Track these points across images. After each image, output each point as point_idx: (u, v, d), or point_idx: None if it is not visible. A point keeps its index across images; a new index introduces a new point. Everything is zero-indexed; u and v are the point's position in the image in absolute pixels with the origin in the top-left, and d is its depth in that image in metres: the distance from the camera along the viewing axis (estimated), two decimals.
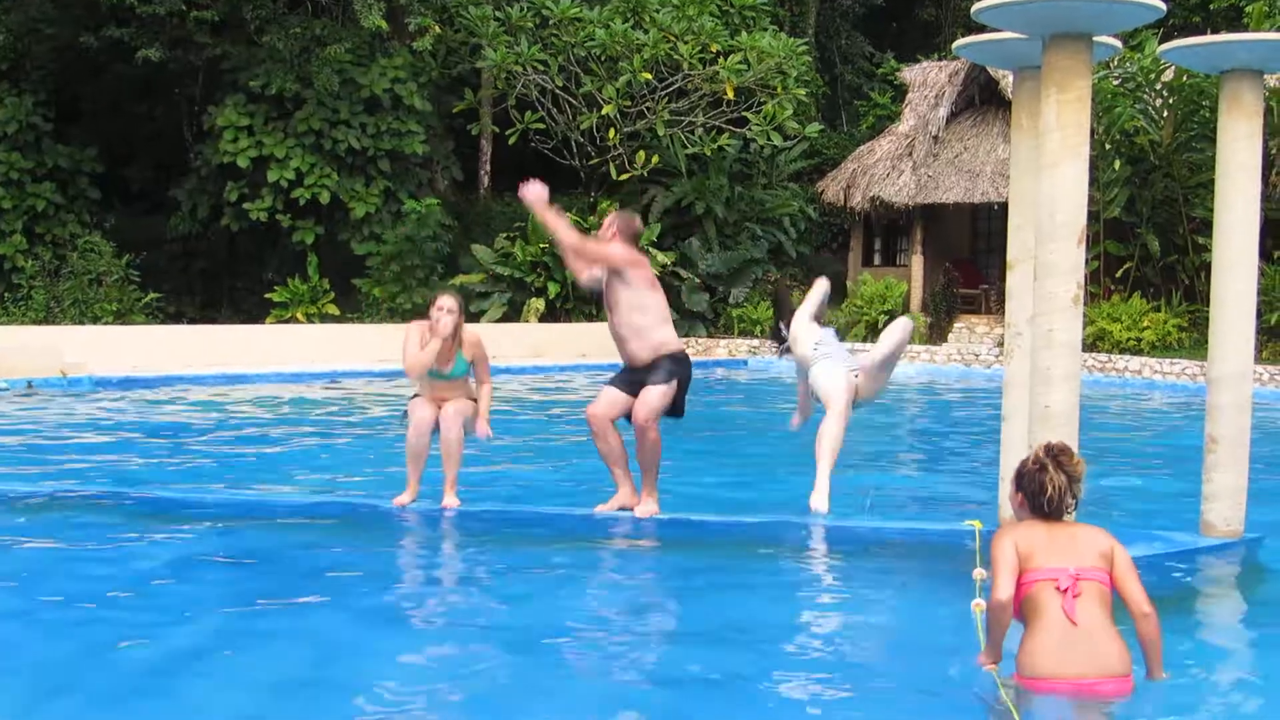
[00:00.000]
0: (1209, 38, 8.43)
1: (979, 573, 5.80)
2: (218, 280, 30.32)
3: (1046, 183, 7.53)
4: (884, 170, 30.74)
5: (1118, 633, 5.26)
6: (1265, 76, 8.96)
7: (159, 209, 29.91)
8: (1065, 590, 5.16)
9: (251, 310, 28.28)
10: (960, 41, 8.80)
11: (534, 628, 6.92)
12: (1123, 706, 5.39)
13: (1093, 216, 25.29)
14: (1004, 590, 5.17)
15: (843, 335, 28.25)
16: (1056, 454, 5.46)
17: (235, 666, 6.20)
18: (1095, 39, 7.62)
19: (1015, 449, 8.53)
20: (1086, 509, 8.14)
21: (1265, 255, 24.37)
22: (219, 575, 8.01)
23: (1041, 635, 5.14)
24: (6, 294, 25.85)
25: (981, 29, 8.09)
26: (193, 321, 27.24)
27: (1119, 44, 8.66)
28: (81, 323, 24.10)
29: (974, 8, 7.44)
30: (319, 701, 5.82)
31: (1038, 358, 7.66)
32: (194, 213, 28.67)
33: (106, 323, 24.39)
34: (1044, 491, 5.37)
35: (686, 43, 27.95)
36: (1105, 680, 5.15)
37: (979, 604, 5.57)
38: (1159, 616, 5.34)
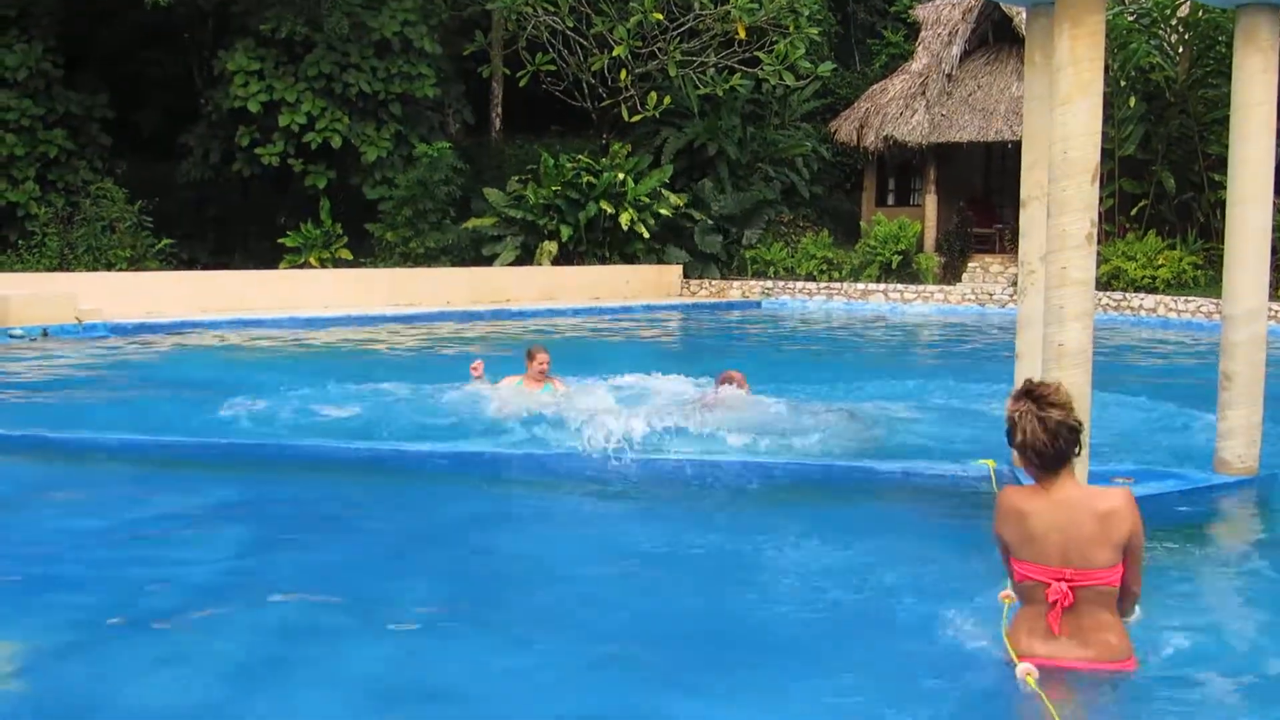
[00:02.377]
0: None
1: (1005, 595, 5.37)
2: (230, 226, 30.31)
3: (1059, 119, 7.47)
4: (897, 109, 30.54)
5: (1114, 622, 5.02)
6: None
7: (170, 155, 29.86)
8: (1056, 602, 4.90)
9: (264, 256, 28.27)
10: None
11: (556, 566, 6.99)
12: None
13: (1107, 154, 25.16)
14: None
15: (857, 275, 28.34)
16: (1028, 392, 4.87)
17: (249, 609, 6.26)
18: None
19: None
20: (1101, 450, 8.17)
21: None
22: (236, 519, 8.06)
23: (1028, 628, 5.00)
24: (20, 241, 25.86)
25: None
26: (206, 267, 27.24)
27: None
28: (95, 269, 24.13)
29: None
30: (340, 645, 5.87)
31: (1051, 295, 7.62)
32: (206, 158, 28.65)
33: (120, 269, 24.41)
34: (1020, 436, 4.80)
35: None
36: (1091, 665, 4.99)
37: (1007, 595, 5.34)
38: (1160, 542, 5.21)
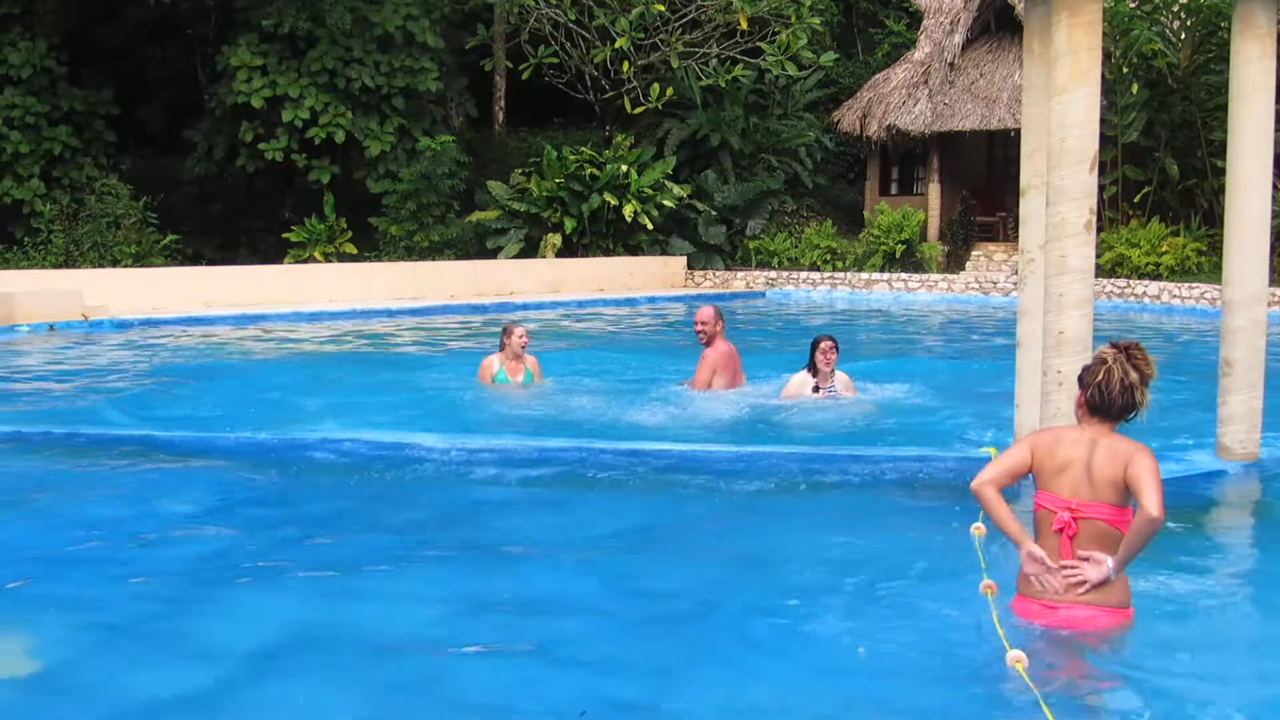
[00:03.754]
0: None
1: (987, 585, 5.71)
2: (235, 221, 30.35)
3: (1058, 109, 7.51)
4: (900, 98, 30.56)
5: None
6: None
7: (175, 150, 29.93)
8: (1060, 530, 5.23)
9: (269, 250, 28.34)
10: None
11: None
12: (1125, 634, 5.51)
13: (1111, 141, 25.19)
14: (980, 476, 5.35)
15: (861, 265, 28.35)
16: (1126, 348, 5.27)
17: (253, 604, 6.31)
18: None
19: (1029, 376, 8.58)
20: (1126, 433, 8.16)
21: None
22: (239, 514, 8.11)
23: (1034, 564, 5.29)
24: (26, 238, 25.94)
25: None
26: (211, 262, 27.30)
27: None
28: (101, 265, 24.21)
29: None
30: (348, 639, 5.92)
31: (1051, 284, 7.67)
32: (210, 154, 28.70)
33: (126, 265, 24.49)
34: (1100, 376, 5.21)
35: None
36: (1084, 606, 5.25)
37: (978, 527, 5.63)
38: (1161, 528, 5.14)
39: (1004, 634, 5.03)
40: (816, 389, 11.23)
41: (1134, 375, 5.19)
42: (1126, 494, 5.14)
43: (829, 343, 11.18)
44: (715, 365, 11.69)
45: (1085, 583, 5.19)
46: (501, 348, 12.17)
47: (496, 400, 11.82)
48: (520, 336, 12.10)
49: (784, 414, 10.95)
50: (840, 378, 11.38)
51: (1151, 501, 4.97)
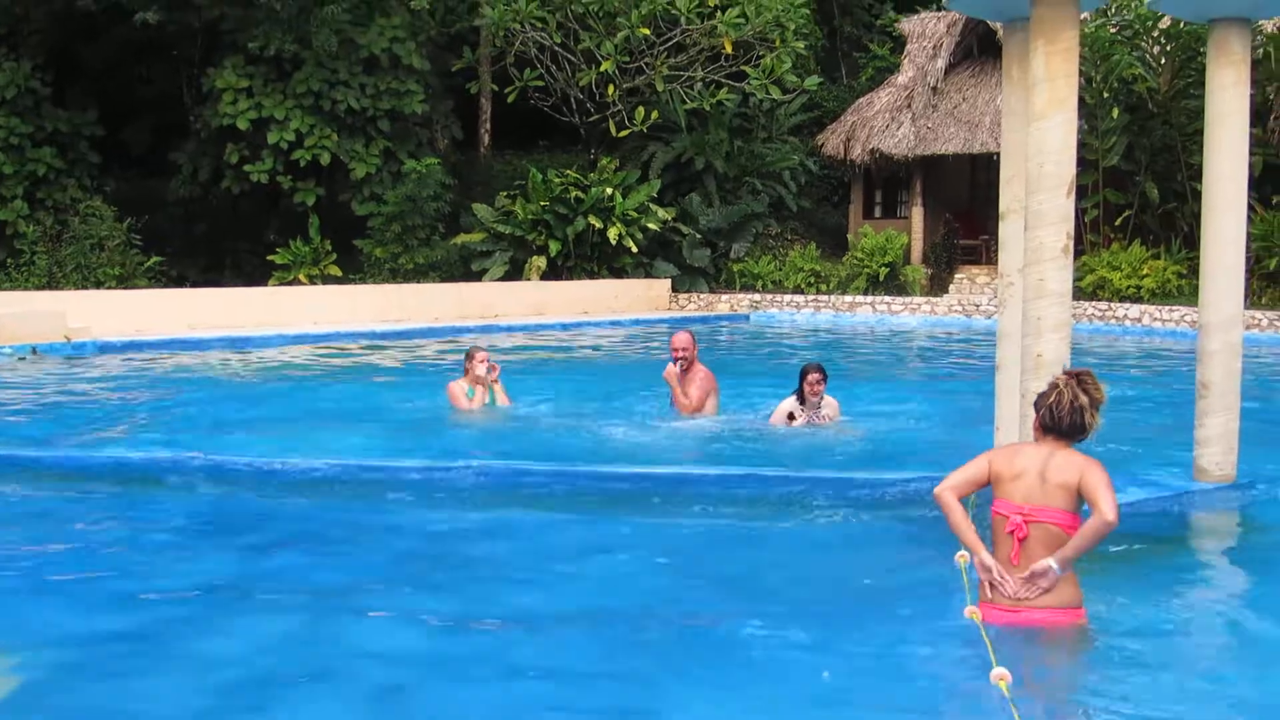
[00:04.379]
0: None
1: (961, 556, 6.02)
2: (220, 243, 30.35)
3: (1035, 134, 7.59)
4: (883, 122, 30.69)
5: (1068, 574, 5.62)
6: (1263, 22, 9.00)
7: (159, 172, 29.95)
8: (1012, 533, 5.64)
9: (254, 272, 28.35)
10: None
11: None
12: (1098, 635, 5.78)
13: (1091, 165, 25.33)
14: (942, 483, 5.81)
15: (845, 287, 28.42)
16: (1078, 375, 5.76)
17: (229, 624, 6.32)
18: None
19: (1009, 397, 8.64)
20: (1084, 450, 8.22)
21: (1266, 201, 24.40)
22: (217, 537, 8.12)
23: (993, 571, 5.70)
24: (9, 259, 25.91)
25: None
26: (195, 284, 27.28)
27: None
28: (84, 287, 24.18)
29: None
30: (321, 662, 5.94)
31: (1029, 307, 7.74)
32: (194, 175, 28.72)
33: (109, 287, 24.46)
34: (1052, 398, 5.68)
35: None
36: (1041, 611, 5.62)
37: (962, 555, 5.88)
38: (1115, 532, 5.55)
39: (993, 650, 5.05)
40: (791, 416, 11.29)
41: (1083, 399, 5.66)
42: (1077, 501, 5.57)
43: (816, 374, 11.24)
44: (709, 387, 11.90)
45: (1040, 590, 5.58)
46: (465, 372, 12.14)
47: (464, 423, 11.85)
48: (482, 360, 12.08)
49: (763, 440, 11.09)
50: (829, 403, 11.44)
51: (1107, 506, 5.41)
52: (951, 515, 5.77)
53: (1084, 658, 5.89)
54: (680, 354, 11.74)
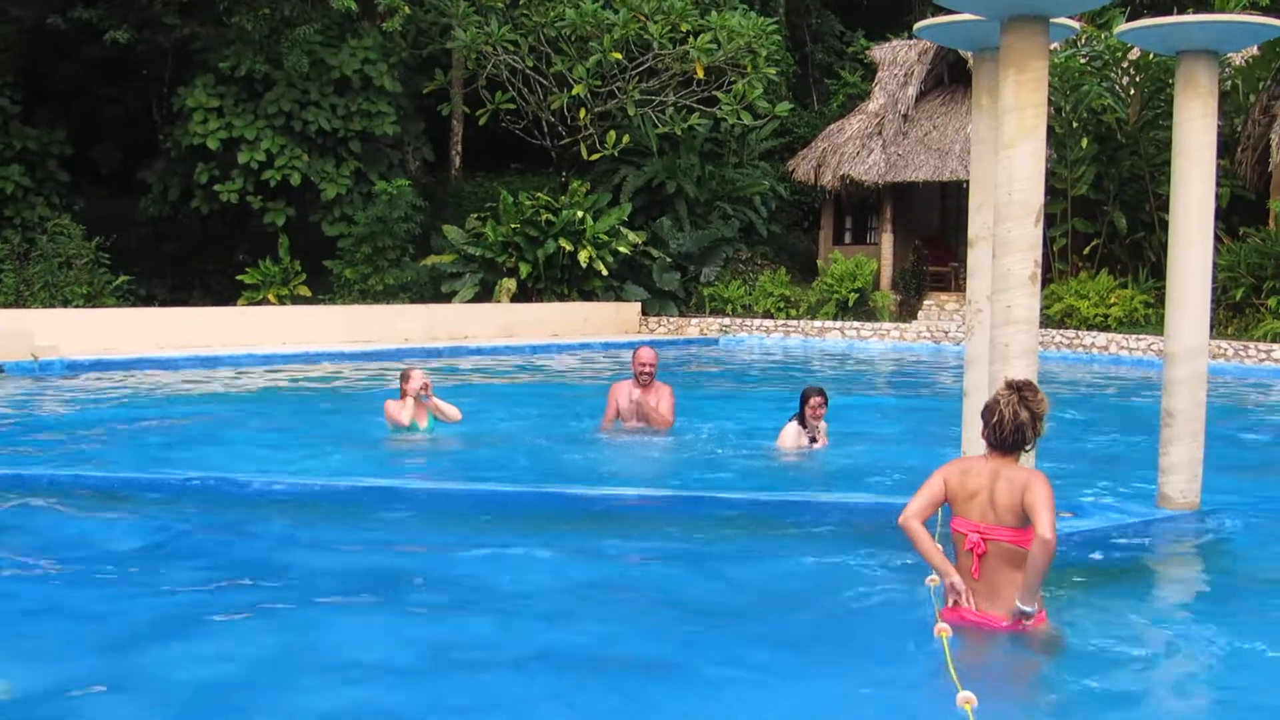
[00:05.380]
0: (1165, 19, 8.55)
1: (932, 579, 6.35)
2: (189, 263, 30.24)
3: (1004, 163, 7.66)
4: (854, 149, 30.82)
5: (1020, 582, 5.82)
6: (1231, 55, 9.10)
7: (129, 191, 29.83)
8: (971, 550, 5.89)
9: (223, 292, 28.26)
10: (922, 23, 8.90)
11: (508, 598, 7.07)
12: (1064, 660, 5.92)
13: (1060, 194, 25.51)
14: (905, 511, 5.98)
15: (814, 313, 28.50)
16: (1019, 387, 5.95)
17: (196, 645, 6.30)
18: (1051, 21, 7.74)
19: (976, 423, 8.68)
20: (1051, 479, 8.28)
21: (1232, 232, 24.60)
22: (180, 556, 8.11)
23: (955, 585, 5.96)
24: None
25: (947, 10, 8.20)
26: (164, 304, 27.16)
27: (1075, 25, 8.79)
28: (52, 306, 24.04)
29: None
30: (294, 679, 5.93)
31: (996, 334, 7.80)
32: (164, 195, 28.62)
33: (77, 306, 24.33)
34: (995, 417, 5.86)
35: (656, 22, 27.99)
36: (1003, 618, 5.87)
37: (932, 579, 6.20)
38: (1055, 551, 5.70)
39: (956, 675, 5.12)
40: (814, 440, 11.44)
41: (1024, 414, 5.86)
42: (1025, 517, 5.72)
43: (819, 398, 11.42)
44: (673, 400, 12.36)
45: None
46: (401, 394, 12.00)
47: (401, 446, 11.84)
48: (419, 381, 11.97)
49: (783, 463, 11.34)
50: (820, 426, 11.60)
51: (1043, 525, 5.58)
52: (919, 543, 5.97)
53: (1045, 676, 5.98)
54: (649, 369, 12.11)
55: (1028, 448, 5.93)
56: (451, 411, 12.07)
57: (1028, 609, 5.76)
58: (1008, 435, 5.84)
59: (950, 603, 6.00)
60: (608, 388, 12.81)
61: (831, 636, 6.66)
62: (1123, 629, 6.67)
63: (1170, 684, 6.20)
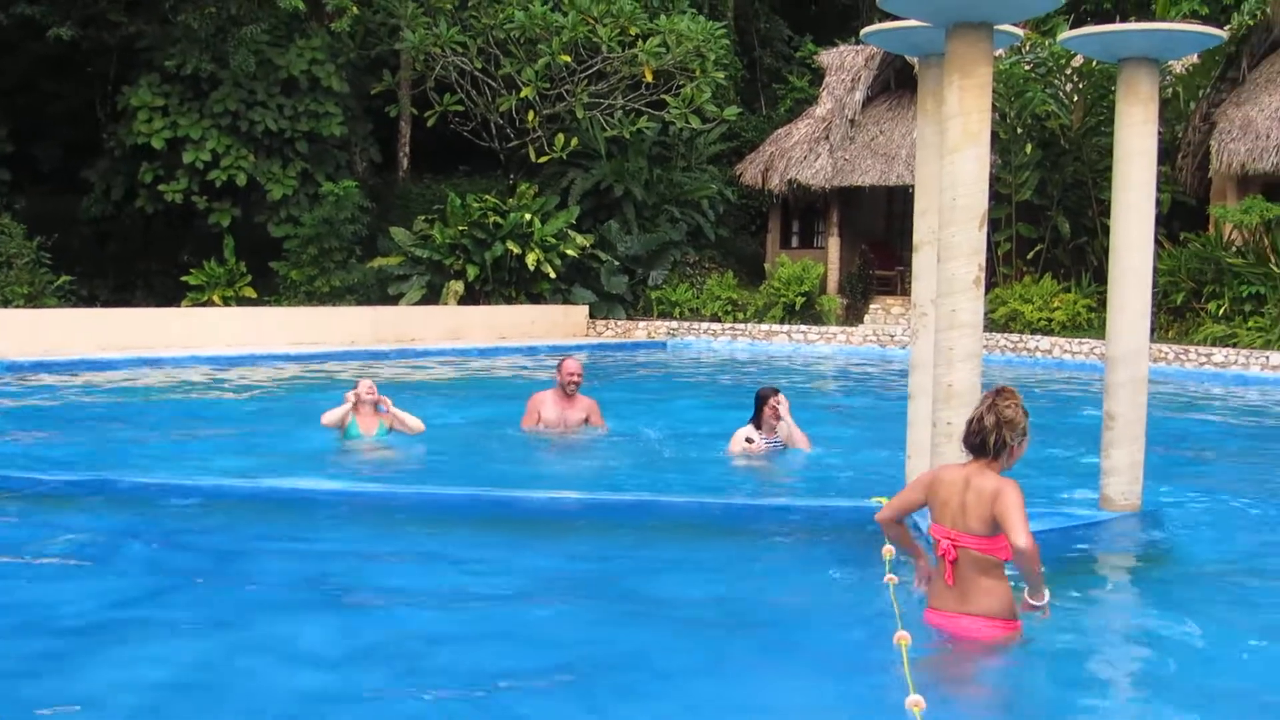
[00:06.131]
0: (1107, 26, 8.67)
1: (888, 549, 6.71)
2: (132, 263, 29.95)
3: (949, 167, 7.73)
4: (801, 153, 30.96)
5: (998, 590, 5.97)
6: (1172, 63, 9.21)
7: (71, 190, 29.51)
8: (943, 555, 5.99)
9: (167, 293, 28.01)
10: (868, 29, 8.96)
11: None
12: (1016, 662, 5.99)
13: (1004, 199, 25.72)
14: (880, 513, 6.33)
15: (761, 316, 28.58)
16: (998, 392, 6.08)
17: (140, 649, 6.28)
18: (996, 27, 7.82)
19: (921, 426, 8.77)
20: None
21: (1173, 237, 24.87)
22: (116, 559, 8.07)
23: (932, 584, 6.16)
24: None
25: (894, 16, 8.25)
26: (106, 305, 26.91)
27: (1019, 32, 8.86)
28: None
29: None
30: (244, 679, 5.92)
31: (941, 337, 7.87)
32: (107, 194, 28.36)
33: (17, 306, 24.06)
34: (973, 421, 6.01)
35: (605, 25, 27.98)
36: (971, 618, 5.99)
37: (890, 578, 6.43)
38: (1038, 554, 5.81)
39: (910, 678, 5.19)
40: (750, 440, 11.34)
41: (990, 418, 5.96)
42: (995, 525, 5.82)
43: (775, 398, 11.33)
44: (594, 405, 12.86)
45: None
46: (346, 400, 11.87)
47: (348, 452, 11.77)
48: (364, 389, 11.87)
49: (732, 465, 11.35)
50: (796, 429, 11.50)
51: (1017, 535, 5.66)
52: (896, 537, 6.35)
53: (1002, 675, 6.06)
54: (576, 379, 12.53)
55: (1004, 454, 5.98)
56: (413, 423, 11.93)
57: (1036, 604, 5.91)
58: (972, 436, 5.97)
59: (917, 582, 6.27)
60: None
61: (784, 635, 6.71)
62: (1072, 628, 6.75)
63: (1121, 677, 6.32)
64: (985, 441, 5.93)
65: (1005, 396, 6.03)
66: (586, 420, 12.68)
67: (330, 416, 11.79)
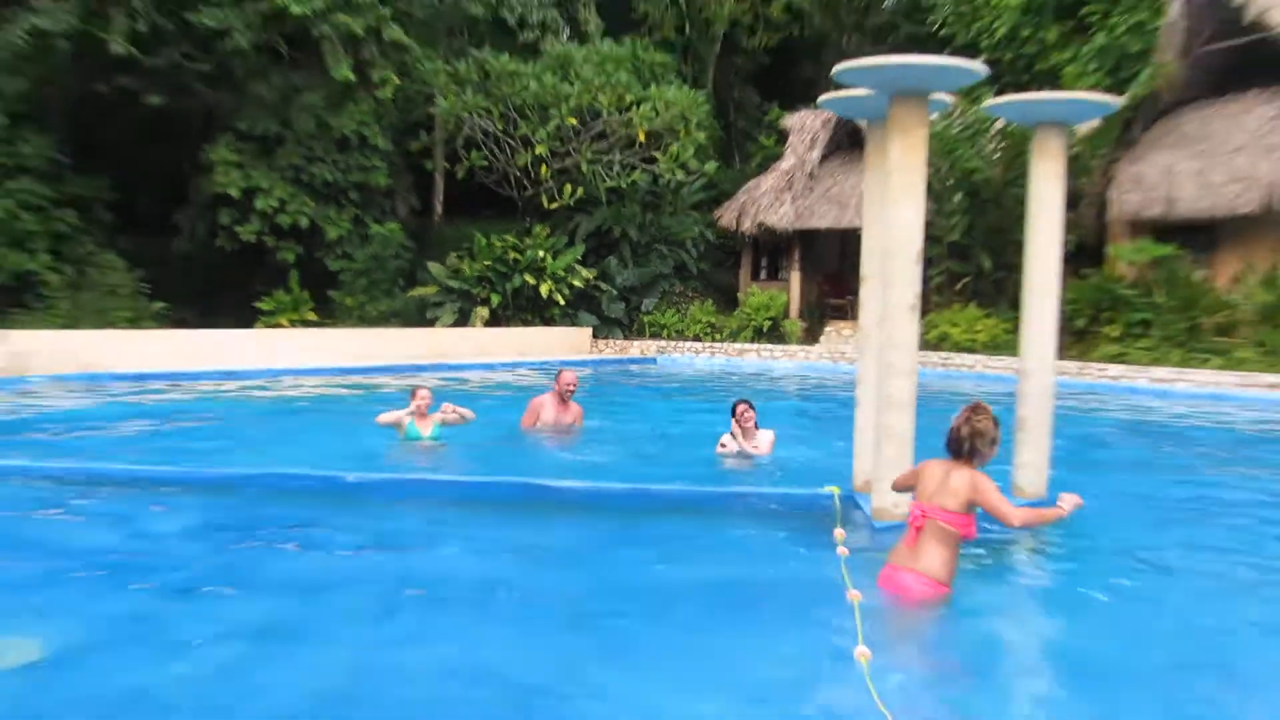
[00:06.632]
0: (1024, 95, 8.71)
1: (841, 548, 7.02)
2: (214, 292, 29.89)
3: (890, 213, 7.77)
4: (769, 201, 30.95)
5: (943, 557, 6.25)
6: (1077, 126, 9.22)
7: (164, 232, 29.51)
8: (912, 523, 6.34)
9: (243, 317, 27.98)
10: (825, 96, 8.98)
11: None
12: (944, 618, 6.13)
13: (937, 240, 25.76)
14: (894, 484, 7.02)
15: (735, 336, 28.56)
16: (974, 408, 6.49)
17: (221, 609, 6.32)
18: (931, 96, 7.86)
19: (866, 429, 8.79)
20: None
21: (1076, 273, 24.90)
22: (214, 534, 8.10)
23: (898, 546, 6.47)
24: (37, 304, 25.46)
25: (846, 86, 8.29)
26: (193, 327, 26.87)
27: (950, 100, 8.89)
28: (99, 328, 23.76)
29: (834, 69, 7.66)
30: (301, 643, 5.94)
31: (883, 355, 7.89)
32: (193, 235, 28.36)
33: (121, 327, 24.07)
34: (950, 432, 6.41)
35: (605, 94, 28.05)
36: (914, 573, 6.28)
37: (854, 594, 6.29)
38: (1032, 517, 6.53)
39: (861, 630, 5.29)
40: (724, 445, 11.26)
41: (965, 429, 6.36)
42: (965, 506, 6.20)
43: (743, 407, 11.26)
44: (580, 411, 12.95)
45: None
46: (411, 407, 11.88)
47: (407, 450, 11.73)
48: (423, 397, 11.79)
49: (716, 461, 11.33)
50: (764, 435, 11.37)
51: (1009, 519, 6.17)
52: (899, 481, 6.93)
53: (938, 632, 6.13)
54: (573, 388, 12.65)
55: (977, 456, 6.37)
56: (466, 413, 11.97)
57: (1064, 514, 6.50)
58: (951, 443, 6.37)
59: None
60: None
61: (751, 596, 6.73)
62: (987, 593, 6.80)
63: (1034, 635, 6.38)
64: (960, 447, 6.33)
65: (979, 412, 6.40)
66: (573, 422, 12.69)
67: (387, 417, 11.76)
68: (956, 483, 6.25)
